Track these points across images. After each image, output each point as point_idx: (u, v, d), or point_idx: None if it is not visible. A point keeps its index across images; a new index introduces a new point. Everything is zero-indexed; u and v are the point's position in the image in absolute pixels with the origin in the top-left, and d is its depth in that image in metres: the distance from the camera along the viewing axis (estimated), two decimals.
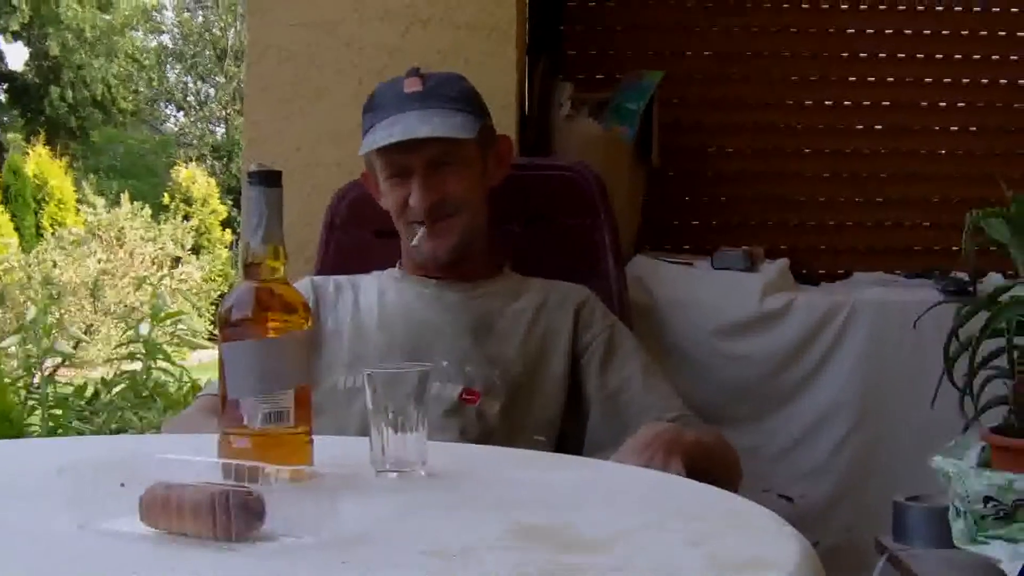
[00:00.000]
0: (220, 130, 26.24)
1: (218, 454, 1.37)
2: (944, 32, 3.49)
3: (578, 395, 2.15)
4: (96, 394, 4.59)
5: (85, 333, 9.13)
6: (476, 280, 2.24)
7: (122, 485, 1.16)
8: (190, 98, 27.04)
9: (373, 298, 2.24)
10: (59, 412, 4.44)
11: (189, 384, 4.72)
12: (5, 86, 24.30)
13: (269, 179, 1.42)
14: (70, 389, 4.78)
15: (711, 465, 1.82)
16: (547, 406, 2.12)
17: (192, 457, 1.27)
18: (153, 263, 11.62)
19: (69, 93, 23.78)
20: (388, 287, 2.26)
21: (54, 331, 5.55)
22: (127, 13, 25.25)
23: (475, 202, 2.23)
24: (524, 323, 2.18)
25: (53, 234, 13.52)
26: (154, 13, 26.71)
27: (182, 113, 27.21)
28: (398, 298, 2.23)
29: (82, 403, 4.53)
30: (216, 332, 1.43)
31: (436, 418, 1.93)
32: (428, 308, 2.20)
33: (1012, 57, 3.48)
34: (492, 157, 2.28)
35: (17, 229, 14.88)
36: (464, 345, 2.13)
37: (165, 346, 4.83)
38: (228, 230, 17.39)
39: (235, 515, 1.09)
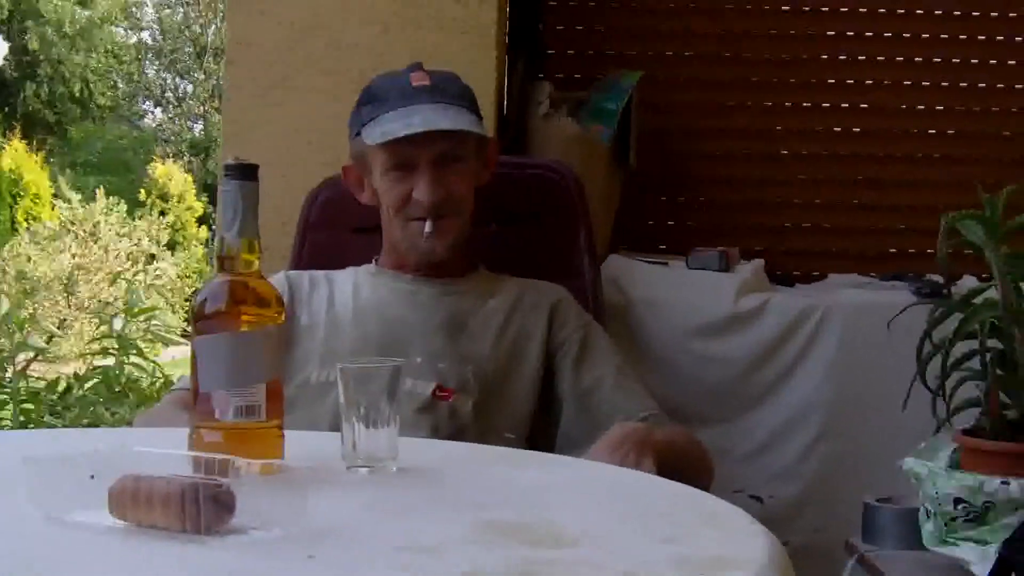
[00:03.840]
0: (198, 127, 26.13)
1: (189, 447, 1.37)
2: (924, 36, 3.49)
3: (551, 394, 2.15)
4: (68, 389, 4.57)
5: (58, 328, 9.08)
6: (451, 278, 2.23)
7: (91, 477, 1.15)
8: (168, 94, 26.92)
9: (348, 293, 2.23)
10: (31, 407, 4.42)
11: (162, 380, 4.71)
12: None
13: (245, 172, 1.42)
14: (42, 384, 4.76)
15: (682, 464, 1.82)
16: (520, 404, 2.12)
17: (163, 450, 1.27)
18: (128, 259, 11.55)
19: (46, 88, 23.65)
20: (363, 282, 2.25)
21: (27, 326, 5.53)
22: (105, 7, 25.11)
23: (470, 202, 2.21)
24: (497, 322, 2.17)
25: (28, 229, 13.44)
26: (133, 9, 26.58)
27: (160, 109, 27.09)
28: (372, 294, 2.22)
29: (54, 398, 4.51)
30: (190, 329, 1.43)
31: (409, 414, 1.93)
32: (402, 304, 2.19)
33: (991, 61, 3.48)
34: (483, 158, 2.27)
35: None
36: (437, 342, 2.13)
37: (138, 342, 4.82)
38: (204, 227, 17.31)
39: (204, 508, 1.09)
